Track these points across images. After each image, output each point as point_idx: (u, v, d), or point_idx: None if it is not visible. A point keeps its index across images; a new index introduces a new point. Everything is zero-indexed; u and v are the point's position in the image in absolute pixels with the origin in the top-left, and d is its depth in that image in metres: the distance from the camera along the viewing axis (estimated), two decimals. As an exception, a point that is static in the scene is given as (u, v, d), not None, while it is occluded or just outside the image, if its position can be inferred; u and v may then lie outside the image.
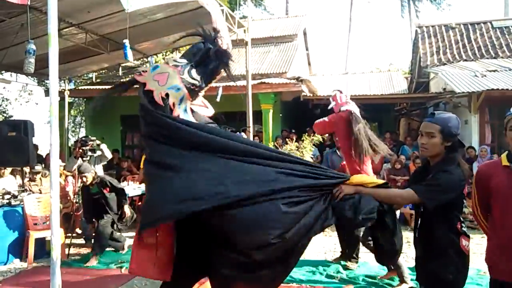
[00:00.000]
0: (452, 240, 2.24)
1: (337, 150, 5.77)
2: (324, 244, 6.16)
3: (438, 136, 2.26)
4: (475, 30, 13.04)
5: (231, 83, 9.75)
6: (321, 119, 4.84)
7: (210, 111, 2.74)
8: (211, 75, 2.65)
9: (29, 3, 3.68)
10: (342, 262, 5.22)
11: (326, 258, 5.58)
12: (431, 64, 11.85)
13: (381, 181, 2.52)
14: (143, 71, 2.56)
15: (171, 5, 6.39)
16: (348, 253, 5.20)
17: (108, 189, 5.75)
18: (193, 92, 2.57)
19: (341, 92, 4.86)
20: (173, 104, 2.46)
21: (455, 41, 12.81)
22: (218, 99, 7.41)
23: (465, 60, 11.79)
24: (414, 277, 2.67)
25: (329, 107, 4.83)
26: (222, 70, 2.66)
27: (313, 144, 8.46)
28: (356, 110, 4.69)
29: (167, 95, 2.46)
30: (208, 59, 2.59)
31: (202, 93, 2.69)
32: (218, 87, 7.66)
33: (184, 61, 2.60)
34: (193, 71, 2.57)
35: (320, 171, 2.45)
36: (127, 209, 5.89)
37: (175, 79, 2.49)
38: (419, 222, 2.35)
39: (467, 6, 50.84)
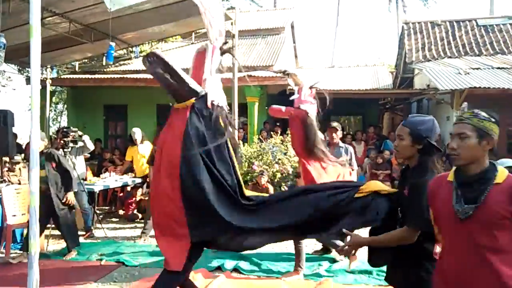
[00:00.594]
0: (426, 248, 2.24)
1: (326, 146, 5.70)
2: (306, 238, 6.20)
3: (407, 139, 2.31)
4: (460, 28, 13.17)
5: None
6: (278, 106, 4.78)
7: None
8: None
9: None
10: (330, 255, 5.30)
11: (306, 252, 5.63)
12: (416, 60, 11.95)
13: (393, 190, 2.64)
14: None
15: (156, -1, 6.33)
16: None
17: (55, 164, 5.29)
18: None
19: (311, 88, 4.77)
20: None
21: (440, 38, 12.92)
22: None
23: (450, 57, 11.91)
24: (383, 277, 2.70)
25: (291, 97, 4.76)
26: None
27: None
28: (313, 111, 4.60)
29: None
30: None
31: None
32: None
33: None
34: None
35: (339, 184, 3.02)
36: (71, 196, 5.37)
37: None
38: (397, 227, 2.36)
39: (454, 3, 51.21)
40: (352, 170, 5.22)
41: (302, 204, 2.77)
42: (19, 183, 6.45)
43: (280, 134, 8.68)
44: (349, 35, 55.17)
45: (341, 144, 5.44)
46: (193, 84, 2.80)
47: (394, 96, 12.40)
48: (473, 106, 9.19)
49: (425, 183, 2.13)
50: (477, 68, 10.21)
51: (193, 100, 2.80)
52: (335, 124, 5.54)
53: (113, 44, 6.44)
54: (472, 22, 13.30)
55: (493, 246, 1.80)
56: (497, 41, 12.34)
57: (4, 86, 16.23)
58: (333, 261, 5.14)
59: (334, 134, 5.40)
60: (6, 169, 6.84)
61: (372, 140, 10.76)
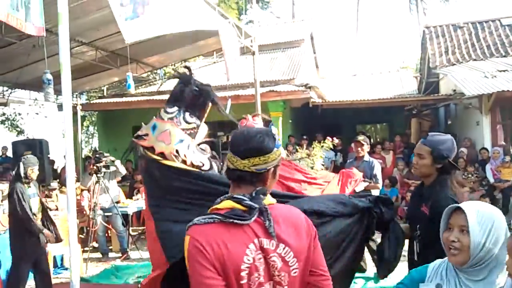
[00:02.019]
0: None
1: (354, 160, 5.63)
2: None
3: (428, 158, 2.32)
4: (484, 29, 12.91)
5: (240, 92, 9.71)
6: None
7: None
8: (202, 110, 2.78)
9: (44, 34, 3.77)
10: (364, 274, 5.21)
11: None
12: (440, 65, 11.78)
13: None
14: (144, 135, 2.60)
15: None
16: None
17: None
18: (193, 134, 2.69)
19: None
20: (185, 155, 2.55)
21: (463, 41, 12.70)
22: (227, 111, 7.39)
23: (475, 60, 11.68)
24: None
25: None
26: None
27: (330, 148, 8.48)
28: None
29: (177, 151, 2.54)
30: (194, 98, 2.70)
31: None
32: (228, 99, 7.63)
33: (175, 109, 2.68)
34: (187, 115, 2.67)
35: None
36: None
37: (177, 133, 2.58)
38: (416, 245, 2.34)
39: (475, 3, 50.07)
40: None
41: None
42: (57, 209, 6.67)
43: (306, 148, 8.67)
44: (370, 41, 54.79)
45: (366, 158, 5.38)
46: None
47: (420, 103, 12.23)
48: (504, 110, 8.97)
49: (449, 200, 2.11)
50: (504, 70, 9.98)
51: None
52: (361, 138, 5.52)
53: (129, 73, 6.69)
54: (496, 22, 13.04)
55: None
56: (523, 40, 12.05)
57: (37, 113, 16.84)
58: (367, 279, 5.07)
59: (359, 149, 5.36)
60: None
61: (400, 148, 10.62)
